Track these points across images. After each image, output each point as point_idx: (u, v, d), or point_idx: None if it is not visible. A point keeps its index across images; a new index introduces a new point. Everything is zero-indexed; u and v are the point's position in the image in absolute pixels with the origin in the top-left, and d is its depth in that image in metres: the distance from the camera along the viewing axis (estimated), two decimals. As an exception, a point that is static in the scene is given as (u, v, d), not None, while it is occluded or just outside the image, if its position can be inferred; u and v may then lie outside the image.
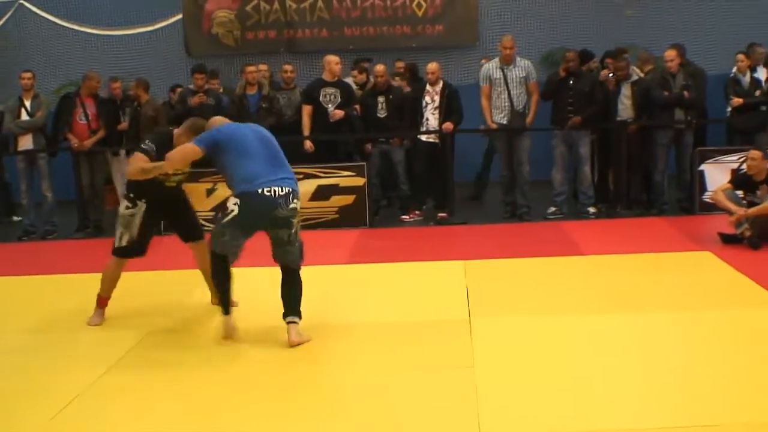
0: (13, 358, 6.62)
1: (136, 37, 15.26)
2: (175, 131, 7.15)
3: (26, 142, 11.99)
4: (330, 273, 8.81)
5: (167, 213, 7.44)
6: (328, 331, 6.83)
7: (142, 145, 6.99)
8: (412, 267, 9.13)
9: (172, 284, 8.52)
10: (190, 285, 8.08)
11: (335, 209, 11.52)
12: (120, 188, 11.96)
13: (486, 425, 4.93)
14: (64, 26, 15.36)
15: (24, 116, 11.96)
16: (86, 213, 12.08)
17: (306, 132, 11.82)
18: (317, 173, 11.48)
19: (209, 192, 11.49)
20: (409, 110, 11.85)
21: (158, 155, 6.81)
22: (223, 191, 11.29)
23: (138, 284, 7.97)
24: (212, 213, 11.29)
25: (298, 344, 6.50)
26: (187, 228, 7.57)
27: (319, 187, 11.48)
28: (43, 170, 12.02)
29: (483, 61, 12.69)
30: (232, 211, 6.47)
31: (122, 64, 14.79)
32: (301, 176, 11.23)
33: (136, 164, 6.90)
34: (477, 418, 5.02)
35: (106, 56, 14.98)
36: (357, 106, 12.03)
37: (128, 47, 15.22)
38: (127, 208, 7.13)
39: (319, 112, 11.81)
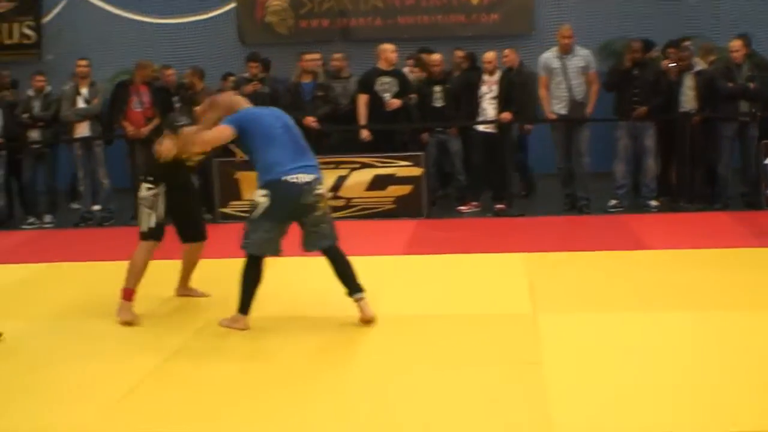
0: (74, 344, 6.57)
1: (190, 25, 15.25)
2: (198, 109, 7.14)
3: (83, 130, 12.01)
4: (386, 264, 8.70)
5: (178, 204, 7.20)
6: (387, 324, 6.69)
7: (177, 123, 6.94)
8: (470, 259, 8.99)
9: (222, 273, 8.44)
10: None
11: (392, 199, 11.38)
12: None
13: (557, 424, 4.77)
14: (118, 15, 15.37)
15: (80, 104, 11.98)
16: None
17: (362, 121, 11.69)
18: (374, 163, 11.36)
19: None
20: (466, 100, 11.69)
21: None
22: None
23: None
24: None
25: (373, 318, 6.59)
26: (193, 225, 7.46)
27: (376, 177, 11.36)
28: (99, 157, 12.05)
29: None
30: (262, 203, 6.42)
31: (176, 52, 14.76)
32: (357, 166, 11.24)
33: (169, 143, 6.84)
34: (548, 416, 4.86)
35: (161, 44, 14.96)
36: (413, 95, 11.88)
37: (182, 36, 15.22)
38: (149, 189, 7.01)
39: (375, 102, 11.67)
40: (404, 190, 11.38)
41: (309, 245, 6.70)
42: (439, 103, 11.85)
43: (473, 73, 12.10)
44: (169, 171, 7.01)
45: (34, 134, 12.27)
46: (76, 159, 12.17)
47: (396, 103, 11.59)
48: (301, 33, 15.32)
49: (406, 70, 12.61)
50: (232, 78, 12.62)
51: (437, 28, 15.05)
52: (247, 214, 6.64)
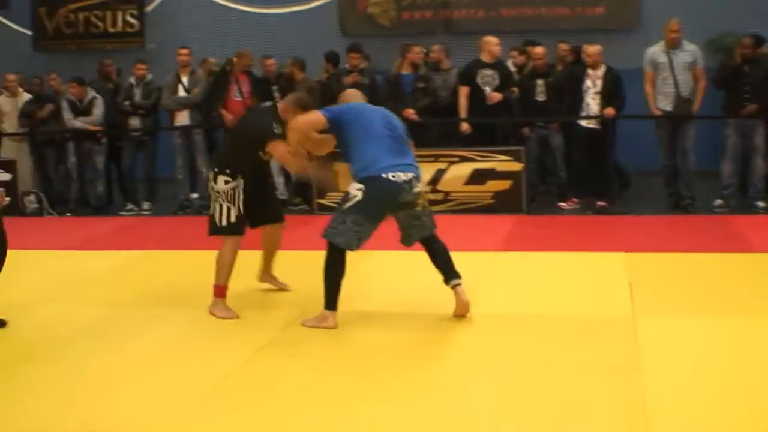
0: (171, 331, 6.60)
1: (292, 15, 15.26)
2: (280, 105, 7.03)
3: (183, 118, 12.11)
4: (483, 260, 8.52)
5: (254, 193, 7.07)
6: (481, 322, 6.56)
7: (275, 131, 6.80)
8: (570, 257, 8.77)
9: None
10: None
11: (491, 194, 11.18)
12: (275, 168, 11.91)
13: (657, 436, 4.58)
14: (220, 4, 15.45)
15: (181, 92, 12.06)
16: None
17: (462, 114, 11.54)
18: (473, 156, 11.18)
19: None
20: (569, 94, 11.45)
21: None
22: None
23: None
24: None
25: (467, 304, 6.58)
26: (271, 208, 7.34)
27: (475, 171, 11.18)
28: (198, 145, 12.14)
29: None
30: (355, 196, 6.32)
31: (277, 42, 14.72)
32: (456, 159, 11.10)
33: (284, 151, 6.80)
34: (646, 428, 4.65)
35: (262, 34, 14.97)
36: (515, 89, 11.68)
37: (284, 26, 15.20)
38: (227, 182, 6.87)
39: (476, 94, 11.50)
40: (503, 185, 11.18)
41: (409, 239, 6.66)
42: (541, 97, 11.63)
43: (577, 67, 11.84)
44: (248, 163, 6.95)
45: (135, 122, 12.39)
46: (176, 147, 12.25)
47: (497, 96, 11.42)
48: (402, 24, 15.21)
49: (509, 61, 12.42)
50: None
51: (540, 20, 14.80)
52: (338, 205, 6.54)
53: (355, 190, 6.34)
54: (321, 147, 6.99)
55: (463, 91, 11.55)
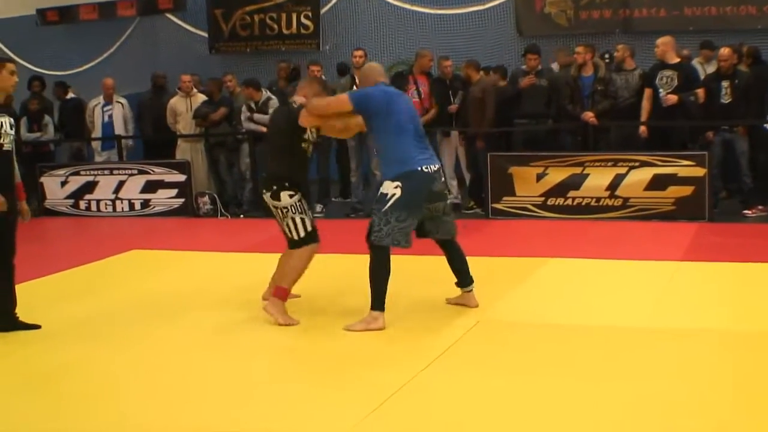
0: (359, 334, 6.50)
1: (468, 16, 15.07)
2: (299, 85, 7.19)
3: (357, 120, 12.04)
4: (662, 270, 8.17)
5: None
6: (667, 335, 6.23)
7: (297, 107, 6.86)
8: (756, 268, 8.29)
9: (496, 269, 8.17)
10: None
11: (672, 200, 10.73)
12: (449, 170, 11.82)
13: None
14: (396, 5, 15.40)
15: (356, 94, 12.02)
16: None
17: (644, 117, 11.17)
18: (654, 161, 10.77)
19: (539, 177, 11.12)
20: (755, 96, 10.95)
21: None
22: (554, 176, 10.96)
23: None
24: (541, 198, 10.98)
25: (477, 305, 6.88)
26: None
27: (656, 176, 10.74)
28: (372, 149, 12.04)
29: None
30: (394, 194, 6.33)
31: (452, 43, 14.63)
32: (637, 164, 10.73)
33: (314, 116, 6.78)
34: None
35: (437, 35, 14.88)
36: (699, 91, 11.20)
37: (459, 26, 15.05)
38: (291, 196, 6.82)
39: (656, 97, 11.11)
40: (685, 191, 10.70)
41: (439, 232, 6.76)
42: (726, 100, 11.14)
43: (763, 67, 11.31)
44: (300, 177, 6.93)
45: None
46: (349, 149, 12.23)
47: (672, 99, 10.95)
48: (580, 24, 14.84)
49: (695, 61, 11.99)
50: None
51: (725, 20, 14.18)
52: (375, 208, 6.48)
53: (393, 188, 6.33)
54: (342, 132, 7.22)
55: (646, 93, 11.19)
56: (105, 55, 17.13)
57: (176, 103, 13.30)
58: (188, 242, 10.78)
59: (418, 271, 7.81)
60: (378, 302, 6.48)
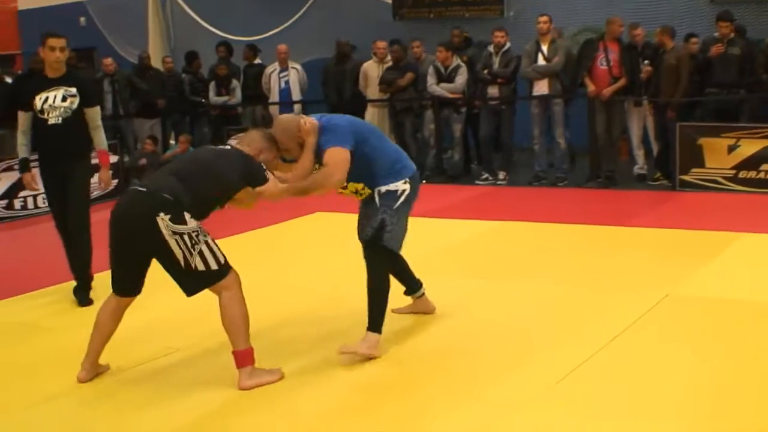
0: (532, 301, 6.39)
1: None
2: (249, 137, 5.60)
3: (542, 87, 11.88)
4: None
5: None
6: None
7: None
8: None
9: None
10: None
11: None
12: (636, 140, 11.54)
13: None
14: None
15: (540, 61, 11.82)
16: (599, 162, 11.72)
17: None
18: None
19: (731, 148, 10.70)
20: None
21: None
22: (746, 148, 10.57)
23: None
24: (732, 171, 10.60)
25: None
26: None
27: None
28: (557, 116, 11.86)
29: None
30: (405, 190, 5.60)
31: (641, 10, 14.18)
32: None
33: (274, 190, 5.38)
34: None
35: (626, 2, 14.46)
36: None
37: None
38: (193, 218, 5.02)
39: None
40: None
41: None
42: None
43: None
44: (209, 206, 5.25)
45: (493, 90, 12.28)
46: (533, 116, 12.06)
47: None
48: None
49: None
50: (694, 39, 11.92)
51: None
52: (385, 207, 5.60)
53: (402, 185, 5.64)
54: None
55: None
56: (289, 22, 17.31)
57: (369, 67, 13.36)
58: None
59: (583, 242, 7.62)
60: (375, 323, 5.57)
